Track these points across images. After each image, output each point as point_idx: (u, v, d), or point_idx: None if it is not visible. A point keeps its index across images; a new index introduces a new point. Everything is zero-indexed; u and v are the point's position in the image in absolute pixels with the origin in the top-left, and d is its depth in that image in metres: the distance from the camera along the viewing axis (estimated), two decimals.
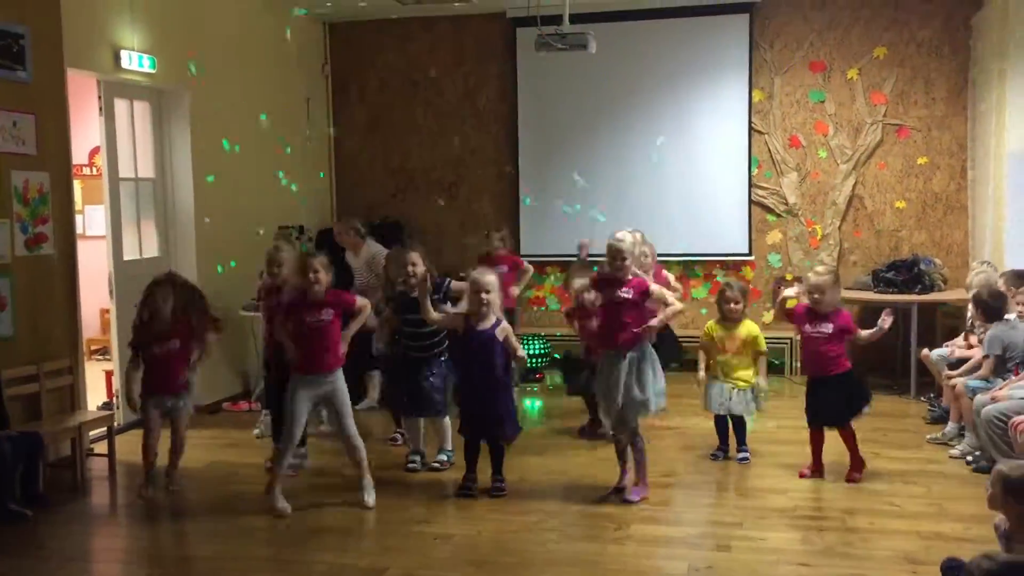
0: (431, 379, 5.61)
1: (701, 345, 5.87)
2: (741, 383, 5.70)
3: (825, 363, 5.37)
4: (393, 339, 5.77)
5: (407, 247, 5.75)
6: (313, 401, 5.05)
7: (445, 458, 5.77)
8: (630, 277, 5.09)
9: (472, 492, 5.23)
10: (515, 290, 7.51)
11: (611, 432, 5.23)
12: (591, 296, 5.53)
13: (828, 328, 5.35)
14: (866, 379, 5.57)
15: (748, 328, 5.75)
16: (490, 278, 5.10)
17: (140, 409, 5.47)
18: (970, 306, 6.34)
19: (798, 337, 5.68)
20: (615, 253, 5.06)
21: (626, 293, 5.06)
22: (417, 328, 5.56)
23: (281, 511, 4.97)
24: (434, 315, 5.26)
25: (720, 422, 5.85)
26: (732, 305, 5.72)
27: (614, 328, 5.09)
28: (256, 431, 6.57)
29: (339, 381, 5.07)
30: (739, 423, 5.81)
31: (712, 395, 5.76)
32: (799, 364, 8.09)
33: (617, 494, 5.14)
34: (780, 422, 6.56)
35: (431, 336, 5.63)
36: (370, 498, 5.11)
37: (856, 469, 5.40)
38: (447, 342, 5.67)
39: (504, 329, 5.12)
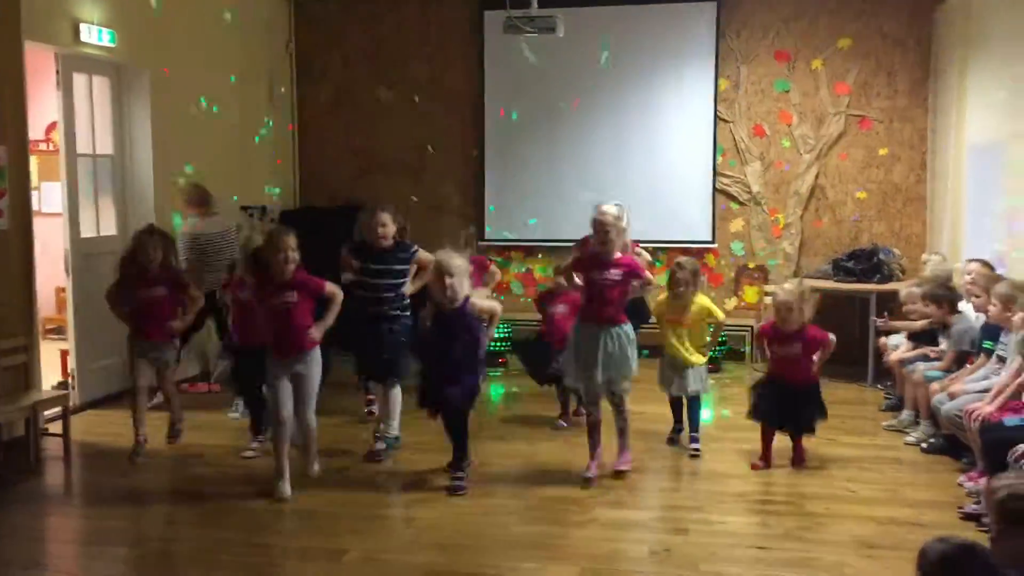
0: (388, 337, 5.47)
1: (655, 316, 5.88)
2: (694, 359, 5.64)
3: (795, 375, 5.38)
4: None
5: (377, 207, 5.61)
6: (291, 381, 4.98)
7: (385, 446, 5.63)
8: (617, 255, 5.06)
9: (461, 486, 5.06)
10: (483, 291, 7.41)
11: (584, 410, 5.23)
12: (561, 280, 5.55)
13: (797, 348, 5.34)
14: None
15: (699, 301, 5.68)
16: (457, 262, 4.97)
17: (129, 357, 5.69)
18: (911, 304, 6.39)
19: (762, 346, 5.64)
20: (598, 227, 5.01)
21: (615, 275, 5.04)
22: (377, 279, 5.46)
23: (281, 495, 4.93)
24: (410, 288, 5.32)
25: (675, 402, 5.86)
26: (681, 288, 5.62)
27: (597, 305, 5.07)
28: (233, 414, 6.49)
29: (309, 363, 4.98)
30: (694, 405, 5.74)
31: (664, 378, 5.73)
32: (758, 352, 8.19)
33: (586, 483, 5.10)
34: (739, 408, 6.60)
35: (389, 290, 5.50)
36: (316, 467, 5.13)
37: (801, 459, 5.44)
38: (406, 307, 5.58)
39: (473, 305, 5.04)
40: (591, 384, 5.13)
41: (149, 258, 5.60)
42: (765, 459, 5.46)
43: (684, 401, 5.80)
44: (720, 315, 5.74)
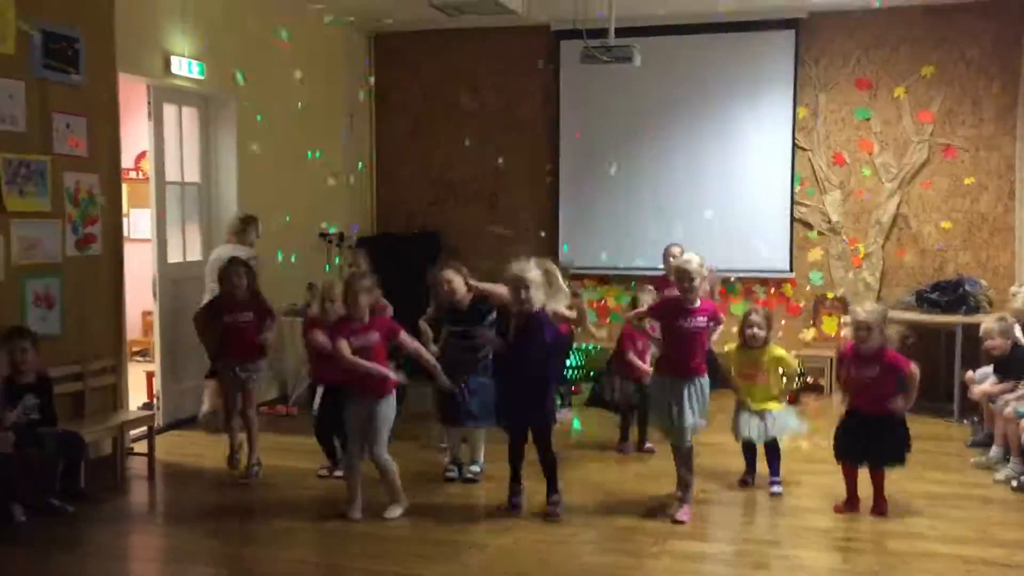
0: (470, 387, 5.54)
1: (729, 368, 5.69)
2: (772, 406, 5.48)
3: (873, 403, 5.10)
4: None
5: (442, 264, 5.77)
6: (362, 425, 5.03)
7: (478, 468, 5.74)
8: (699, 303, 5.00)
9: (518, 503, 5.12)
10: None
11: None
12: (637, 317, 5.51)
13: (875, 371, 5.07)
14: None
15: (771, 352, 5.51)
16: (531, 274, 4.96)
17: (219, 378, 5.97)
18: (990, 340, 6.18)
19: (840, 375, 5.40)
20: (682, 275, 4.96)
21: (700, 322, 4.98)
22: (461, 341, 5.57)
23: (350, 517, 5.01)
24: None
25: (748, 448, 5.64)
26: (755, 331, 5.46)
27: (682, 355, 5.00)
28: (322, 472, 6.15)
29: (380, 406, 5.01)
30: (772, 449, 5.53)
31: (738, 423, 5.55)
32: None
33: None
34: (821, 442, 6.44)
35: (474, 348, 5.56)
36: (392, 512, 5.07)
37: (881, 509, 5.13)
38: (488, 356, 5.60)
39: (549, 310, 5.02)
40: (671, 433, 5.09)
41: (234, 285, 5.81)
42: (850, 503, 5.18)
43: (758, 448, 5.60)
44: (794, 365, 5.59)
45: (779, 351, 5.59)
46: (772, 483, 5.48)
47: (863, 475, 5.19)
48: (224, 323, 5.84)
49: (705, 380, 5.05)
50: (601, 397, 6.49)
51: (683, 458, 5.07)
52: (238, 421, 5.93)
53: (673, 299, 5.13)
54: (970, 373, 6.77)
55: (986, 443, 6.35)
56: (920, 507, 5.21)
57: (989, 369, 6.49)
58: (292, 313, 7.68)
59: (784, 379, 5.60)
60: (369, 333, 5.01)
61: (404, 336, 5.13)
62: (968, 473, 5.93)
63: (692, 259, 5.00)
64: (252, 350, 5.88)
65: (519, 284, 4.94)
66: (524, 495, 5.18)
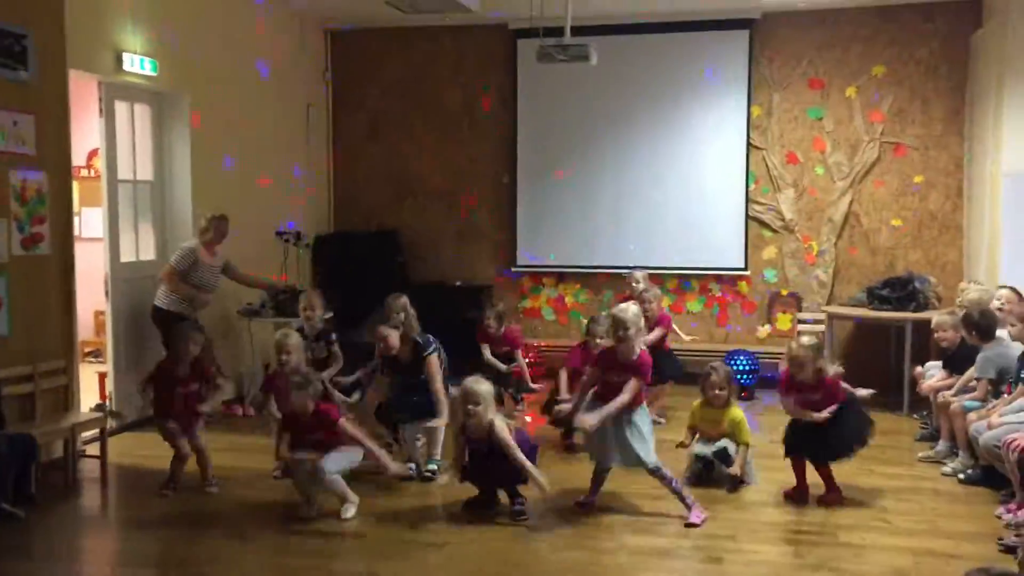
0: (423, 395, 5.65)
1: (687, 428, 5.77)
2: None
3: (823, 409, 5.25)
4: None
5: (380, 327, 5.81)
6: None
7: (435, 467, 5.74)
8: (637, 353, 4.95)
9: (524, 512, 5.04)
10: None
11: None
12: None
13: (817, 396, 5.24)
14: (862, 417, 5.37)
15: (732, 415, 5.61)
16: (481, 388, 4.86)
17: (158, 428, 5.70)
18: (942, 331, 6.31)
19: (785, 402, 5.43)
20: (618, 323, 4.91)
21: (626, 376, 4.93)
22: (413, 390, 5.68)
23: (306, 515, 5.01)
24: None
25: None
26: (716, 391, 5.58)
27: (609, 398, 4.96)
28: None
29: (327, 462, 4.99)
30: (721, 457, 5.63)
31: (693, 450, 5.67)
32: None
33: (581, 507, 5.11)
34: (771, 435, 6.53)
35: (418, 397, 5.69)
36: (348, 512, 5.03)
37: (832, 499, 5.27)
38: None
39: (500, 432, 4.84)
40: (609, 461, 5.11)
41: (186, 352, 5.62)
42: (800, 491, 5.34)
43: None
44: (748, 438, 5.58)
45: (739, 414, 5.65)
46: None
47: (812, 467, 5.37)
48: (166, 388, 5.59)
49: (641, 414, 5.02)
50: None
51: (659, 477, 5.02)
52: (186, 459, 5.67)
53: (611, 350, 5.05)
54: (919, 368, 6.91)
55: (933, 437, 6.49)
56: (870, 500, 5.31)
57: (938, 364, 6.63)
58: (249, 314, 7.63)
59: (738, 450, 5.57)
60: (315, 433, 4.99)
61: (342, 425, 5.03)
62: (917, 467, 6.05)
63: (628, 309, 4.97)
64: (191, 415, 5.63)
65: (468, 400, 4.85)
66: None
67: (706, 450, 5.62)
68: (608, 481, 5.24)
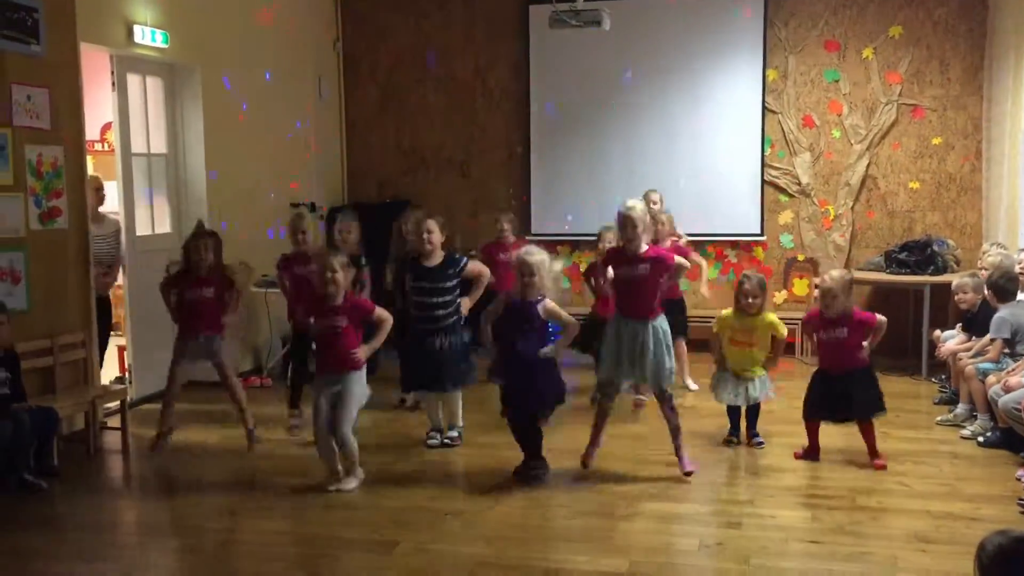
0: (442, 351, 5.53)
1: (713, 336, 5.74)
2: (757, 371, 5.61)
3: (842, 361, 5.28)
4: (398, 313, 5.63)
5: (423, 213, 5.66)
6: (330, 400, 5.00)
7: (456, 434, 5.76)
8: (644, 249, 5.04)
9: (540, 475, 5.11)
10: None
11: (597, 396, 5.27)
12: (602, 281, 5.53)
13: (843, 332, 5.25)
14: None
15: (766, 318, 5.62)
16: (537, 259, 4.90)
17: (174, 351, 5.82)
18: (962, 293, 6.27)
19: (809, 337, 5.56)
20: (624, 222, 5.00)
21: (643, 269, 5.01)
22: (427, 298, 5.50)
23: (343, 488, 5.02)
24: (466, 307, 5.49)
25: (733, 409, 5.75)
26: (750, 300, 5.57)
27: (633, 301, 5.06)
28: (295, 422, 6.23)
29: (349, 383, 4.98)
30: (752, 409, 5.71)
31: (724, 388, 5.65)
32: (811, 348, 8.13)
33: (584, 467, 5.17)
34: (792, 403, 6.52)
35: (442, 307, 5.54)
36: (347, 484, 5.02)
37: (878, 456, 5.30)
38: (459, 314, 5.62)
39: (547, 307, 4.93)
40: (619, 377, 5.17)
41: (200, 258, 5.73)
42: (811, 451, 5.40)
43: (743, 409, 5.73)
44: (784, 332, 5.62)
45: (772, 317, 5.68)
46: (753, 437, 5.71)
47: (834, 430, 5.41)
48: (185, 298, 5.76)
49: (662, 324, 5.08)
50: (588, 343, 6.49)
51: (669, 403, 5.10)
52: (174, 398, 5.83)
53: (619, 248, 5.16)
54: (937, 332, 6.87)
55: (952, 401, 6.47)
56: (889, 464, 5.29)
57: (956, 330, 6.59)
58: (265, 285, 7.65)
59: (772, 343, 5.63)
60: (339, 316, 4.96)
61: (377, 313, 5.08)
62: (935, 430, 6.03)
63: (635, 206, 5.03)
64: (212, 326, 5.78)
65: (525, 271, 4.89)
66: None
67: (738, 400, 5.63)
68: (624, 447, 5.26)
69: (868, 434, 5.33)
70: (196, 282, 5.75)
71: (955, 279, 6.56)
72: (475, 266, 5.63)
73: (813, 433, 5.42)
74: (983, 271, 6.47)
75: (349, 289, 5.08)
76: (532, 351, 4.94)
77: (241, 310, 6.07)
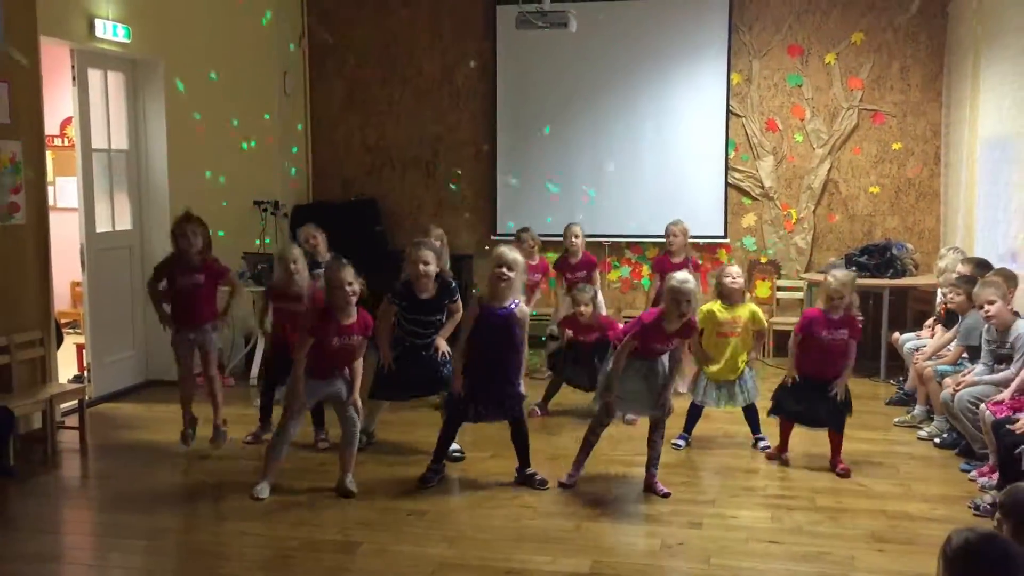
0: (429, 356, 5.46)
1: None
2: (740, 368, 5.58)
3: (838, 363, 5.28)
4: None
5: (421, 242, 5.49)
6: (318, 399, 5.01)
7: (458, 446, 5.52)
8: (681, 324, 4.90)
9: (438, 478, 5.10)
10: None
11: (597, 425, 5.11)
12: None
13: (844, 333, 5.26)
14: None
15: (751, 307, 5.64)
16: (515, 255, 4.88)
17: (173, 345, 5.71)
18: (940, 292, 6.40)
19: (796, 342, 5.41)
20: (679, 296, 4.79)
21: (675, 343, 4.95)
22: (419, 328, 5.44)
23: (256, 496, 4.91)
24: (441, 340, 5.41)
25: (694, 409, 5.75)
26: (733, 279, 5.56)
27: (657, 352, 4.98)
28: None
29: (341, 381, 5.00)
30: (750, 411, 5.69)
31: (708, 393, 5.63)
32: (777, 349, 8.24)
33: (561, 487, 5.03)
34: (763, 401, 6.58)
35: (434, 326, 5.48)
36: (352, 485, 4.98)
37: (842, 468, 5.30)
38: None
39: (522, 312, 4.91)
40: (645, 413, 5.15)
41: (188, 244, 5.57)
42: (781, 448, 5.48)
43: (726, 409, 5.73)
44: (765, 323, 5.63)
45: (754, 306, 5.70)
46: (758, 440, 5.69)
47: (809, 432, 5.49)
48: (177, 285, 5.62)
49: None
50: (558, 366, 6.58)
51: (661, 431, 5.06)
52: (192, 391, 5.76)
53: (658, 319, 4.92)
54: (896, 334, 6.99)
55: (903, 402, 6.59)
56: (847, 464, 5.37)
57: (912, 335, 6.71)
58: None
59: (755, 337, 5.68)
60: (353, 334, 4.87)
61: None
62: (893, 431, 6.13)
63: (688, 279, 4.86)
64: (205, 315, 5.69)
65: (502, 263, 4.84)
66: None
67: (720, 403, 5.61)
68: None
69: (836, 440, 5.35)
70: (187, 269, 5.60)
71: (940, 277, 6.57)
72: (457, 306, 5.48)
73: (786, 431, 5.46)
74: (937, 273, 6.61)
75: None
76: (510, 359, 4.95)
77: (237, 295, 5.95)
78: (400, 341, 5.49)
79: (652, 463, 5.03)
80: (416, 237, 5.69)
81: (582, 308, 6.23)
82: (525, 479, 5.08)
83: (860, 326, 5.40)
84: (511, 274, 4.83)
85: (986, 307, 5.26)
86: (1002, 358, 5.32)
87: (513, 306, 4.90)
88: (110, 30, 6.66)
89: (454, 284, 5.51)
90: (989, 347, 5.39)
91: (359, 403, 5.02)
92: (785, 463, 5.44)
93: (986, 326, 5.40)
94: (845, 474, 5.22)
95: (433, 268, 5.34)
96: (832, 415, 5.29)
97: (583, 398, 6.40)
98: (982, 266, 5.96)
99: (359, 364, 5.00)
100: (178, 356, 5.74)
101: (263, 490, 4.90)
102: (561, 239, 7.41)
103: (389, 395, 5.65)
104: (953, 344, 5.98)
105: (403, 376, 5.49)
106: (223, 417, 5.81)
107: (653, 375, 4.98)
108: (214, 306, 5.78)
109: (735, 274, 5.63)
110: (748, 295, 5.73)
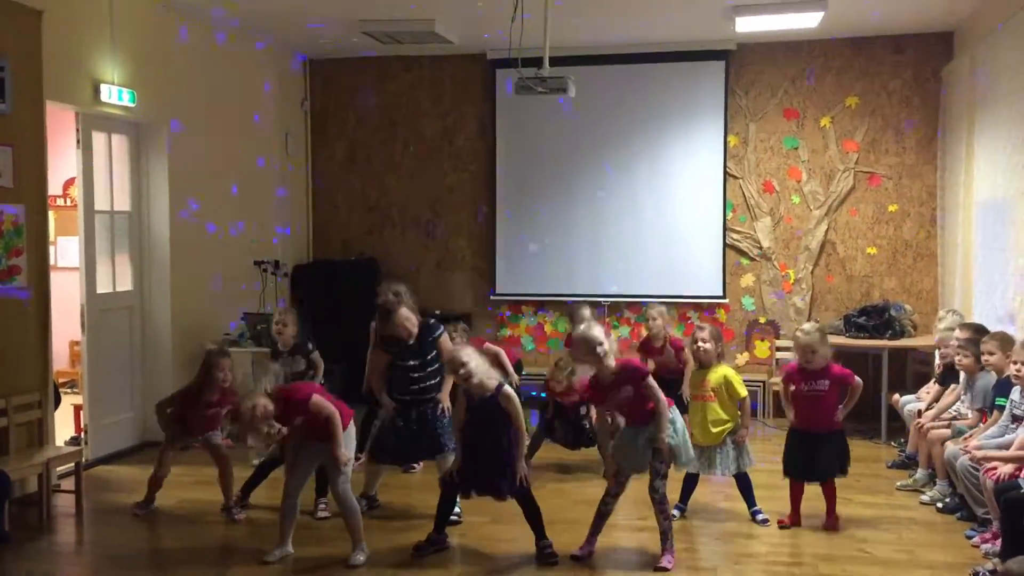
0: (430, 418, 5.46)
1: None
2: (720, 431, 5.44)
3: (825, 419, 5.31)
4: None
5: (392, 307, 5.52)
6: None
7: (458, 510, 5.46)
8: (614, 368, 4.85)
9: (434, 549, 5.01)
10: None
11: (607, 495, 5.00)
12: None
13: (824, 384, 5.29)
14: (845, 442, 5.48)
15: (720, 372, 5.49)
16: (461, 354, 4.84)
17: (166, 441, 5.77)
18: (939, 354, 6.39)
19: (787, 394, 5.49)
20: (587, 342, 4.78)
21: (626, 393, 4.82)
22: (409, 374, 5.46)
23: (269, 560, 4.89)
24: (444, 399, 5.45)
25: (689, 478, 5.62)
26: (700, 344, 5.48)
27: (636, 412, 4.89)
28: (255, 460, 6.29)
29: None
30: (743, 480, 5.54)
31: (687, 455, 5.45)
32: (776, 409, 8.22)
33: (574, 560, 4.89)
34: (759, 465, 6.51)
35: (423, 380, 5.49)
36: (356, 558, 4.88)
37: (834, 518, 5.37)
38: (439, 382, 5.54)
39: (506, 396, 4.82)
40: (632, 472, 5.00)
41: (223, 378, 5.70)
42: (793, 517, 5.41)
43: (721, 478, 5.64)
44: (744, 392, 5.47)
45: (726, 370, 5.53)
46: (755, 514, 5.54)
47: (811, 492, 5.42)
48: (194, 415, 5.72)
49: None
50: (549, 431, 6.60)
51: (658, 505, 4.87)
52: (165, 469, 5.78)
53: (592, 384, 4.95)
54: (896, 396, 6.97)
55: (905, 465, 6.55)
56: (850, 529, 5.33)
57: (912, 397, 6.69)
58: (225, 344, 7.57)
59: (740, 407, 5.49)
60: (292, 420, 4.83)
61: (314, 402, 4.85)
62: (896, 495, 6.07)
63: (593, 325, 4.88)
64: (213, 425, 5.80)
65: (453, 367, 4.85)
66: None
67: (701, 469, 5.47)
68: (588, 512, 5.22)
69: (829, 495, 5.37)
70: (209, 399, 5.73)
71: (945, 322, 6.58)
72: (447, 345, 5.52)
73: (796, 496, 5.41)
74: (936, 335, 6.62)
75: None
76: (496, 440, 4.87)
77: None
78: (399, 397, 5.51)
79: (662, 536, 4.87)
80: (386, 298, 5.66)
81: (551, 384, 6.41)
82: (537, 551, 4.93)
83: (845, 372, 5.36)
84: (463, 372, 4.78)
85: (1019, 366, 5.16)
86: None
87: (497, 394, 4.81)
88: (115, 95, 6.75)
89: (431, 321, 5.59)
90: (1015, 408, 5.31)
91: (343, 463, 4.85)
92: (786, 525, 5.39)
93: (1017, 387, 5.29)
94: (832, 528, 5.27)
95: (414, 322, 5.46)
96: (821, 467, 5.31)
97: (564, 452, 6.59)
98: (980, 331, 5.95)
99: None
100: (162, 455, 5.76)
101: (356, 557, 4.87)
102: (560, 300, 7.43)
103: (390, 459, 5.62)
104: (966, 407, 5.92)
105: (404, 438, 5.47)
106: (236, 494, 5.74)
107: (643, 438, 4.85)
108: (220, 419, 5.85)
109: (701, 338, 5.53)
110: (720, 360, 5.60)
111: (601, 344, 4.76)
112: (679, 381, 6.65)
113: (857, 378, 5.39)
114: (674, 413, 4.91)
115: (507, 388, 4.87)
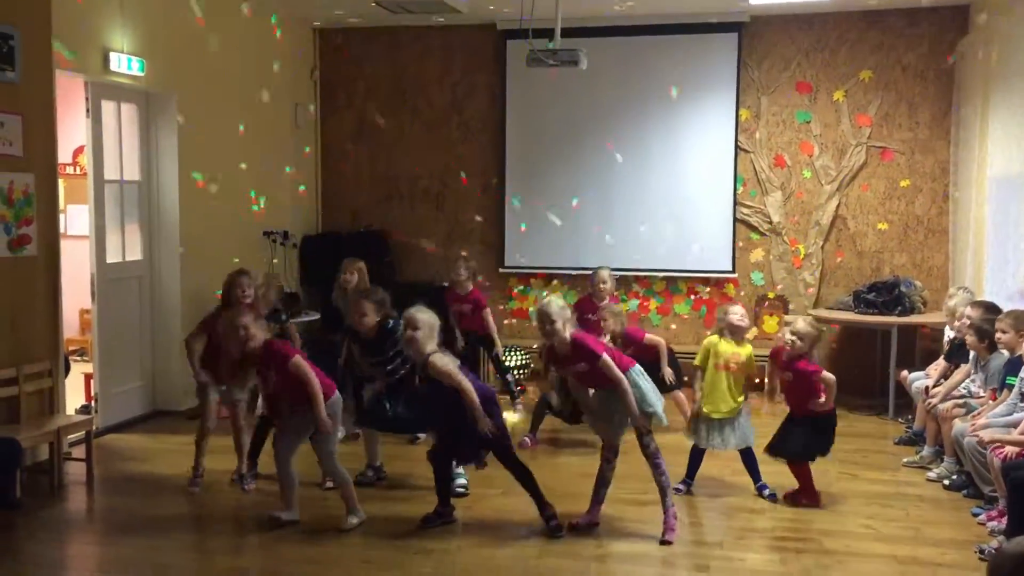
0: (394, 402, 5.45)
1: (698, 364, 5.59)
2: (733, 407, 5.46)
3: (792, 402, 5.42)
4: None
5: (360, 296, 5.54)
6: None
7: (464, 481, 5.50)
8: (568, 343, 4.81)
9: (441, 521, 5.04)
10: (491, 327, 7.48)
11: (605, 459, 5.02)
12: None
13: (789, 376, 5.37)
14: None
15: (750, 349, 5.57)
16: (422, 316, 4.79)
17: (198, 391, 5.69)
18: (951, 331, 6.36)
19: (771, 371, 5.61)
20: (541, 317, 4.80)
21: (581, 367, 4.84)
22: (374, 368, 5.48)
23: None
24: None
25: (696, 452, 5.64)
26: (741, 316, 5.54)
27: (598, 382, 4.90)
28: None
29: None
30: (748, 456, 5.57)
31: (702, 430, 5.52)
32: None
33: (572, 528, 4.92)
34: (762, 442, 6.54)
35: (392, 370, 5.47)
36: (351, 520, 4.98)
37: (806, 496, 5.36)
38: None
39: (431, 365, 4.72)
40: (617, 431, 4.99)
41: (244, 295, 5.59)
42: (809, 493, 5.41)
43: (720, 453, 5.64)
44: (755, 369, 5.60)
45: (751, 350, 5.60)
46: (760, 489, 5.55)
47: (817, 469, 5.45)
48: (213, 342, 5.52)
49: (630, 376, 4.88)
50: (548, 404, 6.56)
51: (652, 460, 4.84)
52: (207, 439, 5.73)
53: (551, 348, 4.94)
54: (904, 373, 6.96)
55: (912, 441, 6.55)
56: (856, 506, 5.34)
57: (921, 374, 6.67)
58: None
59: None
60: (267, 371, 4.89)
61: (295, 364, 4.87)
62: (902, 472, 6.08)
63: (551, 301, 4.83)
64: (236, 377, 5.52)
65: (408, 325, 4.83)
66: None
67: (715, 445, 5.51)
68: (587, 485, 5.25)
69: (795, 474, 5.40)
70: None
71: (955, 300, 6.52)
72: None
73: (799, 474, 5.41)
74: (947, 313, 6.59)
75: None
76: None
77: None
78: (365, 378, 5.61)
79: (661, 492, 4.87)
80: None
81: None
82: (545, 523, 4.93)
83: (808, 371, 5.28)
84: (412, 333, 4.77)
85: None
86: None
87: (426, 361, 4.77)
88: (125, 63, 6.73)
89: (391, 323, 5.38)
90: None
91: (326, 424, 4.85)
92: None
93: None
94: (784, 499, 5.36)
95: (371, 320, 5.32)
96: (791, 448, 5.35)
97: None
98: (991, 310, 5.92)
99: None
100: (203, 405, 5.68)
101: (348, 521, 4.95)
102: (571, 273, 7.41)
103: (372, 424, 5.65)
104: (978, 386, 5.91)
105: (388, 410, 5.49)
106: (246, 466, 5.74)
107: (608, 400, 4.87)
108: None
109: (742, 313, 5.62)
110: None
111: (554, 321, 4.76)
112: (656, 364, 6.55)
113: (825, 372, 5.30)
114: (635, 375, 4.84)
115: (432, 358, 4.75)
